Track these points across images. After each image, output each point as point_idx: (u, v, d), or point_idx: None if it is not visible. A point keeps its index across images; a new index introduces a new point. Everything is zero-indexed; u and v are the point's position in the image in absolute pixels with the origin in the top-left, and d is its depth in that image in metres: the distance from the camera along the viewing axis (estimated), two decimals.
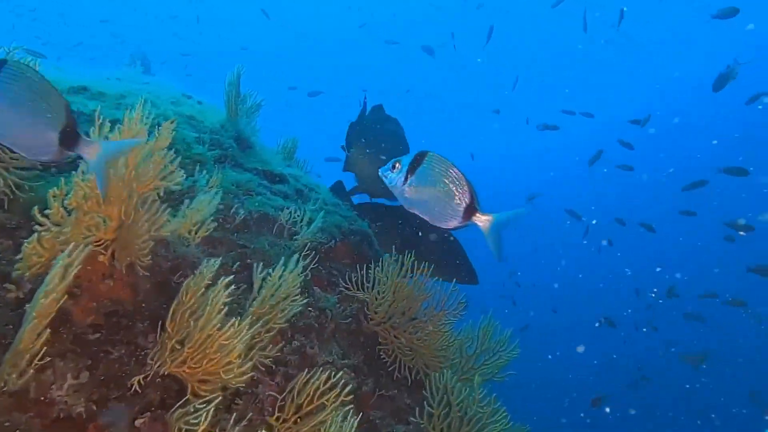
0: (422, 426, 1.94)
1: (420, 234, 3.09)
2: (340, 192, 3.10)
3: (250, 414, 1.59)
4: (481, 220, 1.32)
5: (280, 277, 1.73)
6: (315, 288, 2.20)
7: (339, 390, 1.53)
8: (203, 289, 1.48)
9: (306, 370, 1.66)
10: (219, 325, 1.39)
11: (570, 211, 10.25)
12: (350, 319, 2.21)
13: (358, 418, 1.94)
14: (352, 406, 1.53)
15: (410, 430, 1.99)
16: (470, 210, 1.32)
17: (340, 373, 1.56)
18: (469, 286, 3.07)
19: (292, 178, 2.77)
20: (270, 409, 1.62)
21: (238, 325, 1.42)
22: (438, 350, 2.28)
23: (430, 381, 1.98)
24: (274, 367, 1.75)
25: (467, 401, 1.91)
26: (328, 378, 1.57)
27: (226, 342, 1.37)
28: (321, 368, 1.87)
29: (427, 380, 2.01)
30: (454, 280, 2.95)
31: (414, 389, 2.24)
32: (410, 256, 2.31)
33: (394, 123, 3.44)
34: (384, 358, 2.26)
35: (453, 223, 1.34)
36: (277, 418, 1.57)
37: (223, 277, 1.46)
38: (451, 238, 3.15)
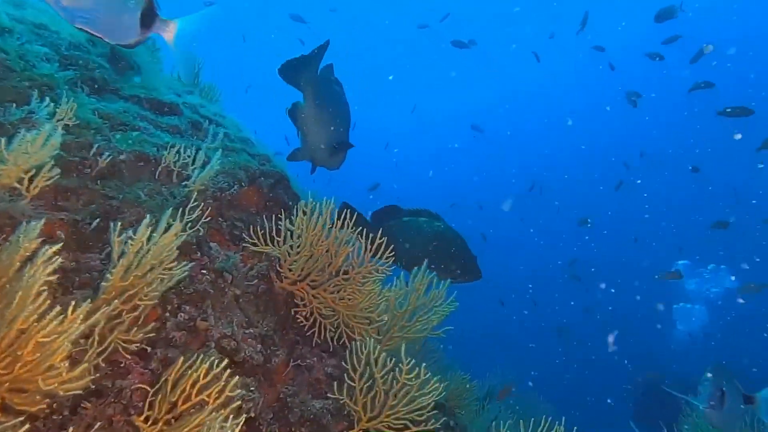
0: (342, 402, 1.67)
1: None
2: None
3: (111, 412, 1.24)
4: (165, 29, 1.10)
5: (149, 239, 1.32)
6: (212, 244, 1.81)
7: (222, 384, 1.19)
8: (18, 264, 1.06)
9: (189, 355, 1.31)
10: (37, 315, 0.99)
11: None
12: (257, 280, 1.85)
13: (266, 397, 1.65)
14: (239, 402, 1.20)
15: (328, 406, 1.72)
16: (149, 17, 1.12)
17: (224, 363, 1.22)
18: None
19: (188, 108, 2.27)
20: (140, 404, 1.27)
21: (73, 310, 1.03)
22: (364, 310, 1.99)
23: (350, 350, 1.69)
24: (149, 349, 1.39)
25: (394, 372, 1.65)
26: (211, 367, 1.23)
27: (46, 339, 0.98)
28: (214, 345, 1.52)
29: (347, 350, 1.73)
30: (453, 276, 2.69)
31: (337, 356, 1.96)
32: (330, 203, 1.95)
33: (340, 86, 2.82)
34: (301, 322, 1.95)
35: (130, 38, 1.18)
36: (146, 419, 1.22)
37: (46, 247, 1.04)
38: (449, 230, 2.85)
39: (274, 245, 1.90)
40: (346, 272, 1.97)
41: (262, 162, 2.23)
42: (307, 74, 2.47)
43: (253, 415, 1.50)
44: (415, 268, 2.16)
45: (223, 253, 1.80)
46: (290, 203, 2.21)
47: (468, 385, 2.88)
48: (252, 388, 1.54)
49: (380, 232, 2.02)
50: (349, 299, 1.97)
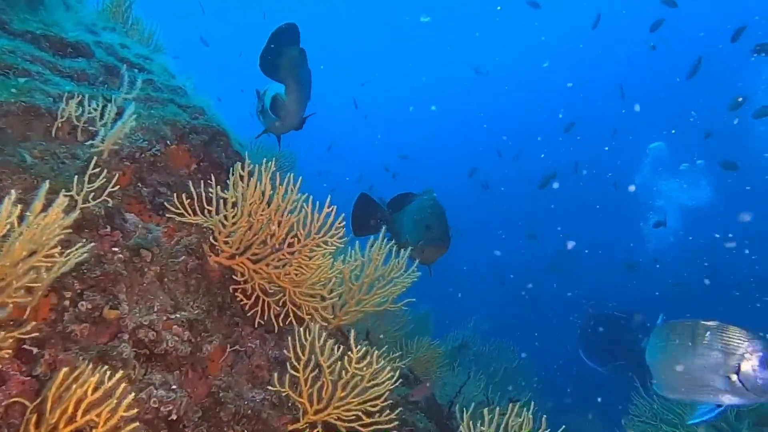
0: (285, 395, 1.47)
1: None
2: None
3: None
4: None
5: (22, 218, 1.04)
6: (128, 216, 1.53)
7: (116, 400, 0.96)
8: None
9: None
10: None
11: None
12: (186, 255, 1.59)
13: (194, 393, 1.44)
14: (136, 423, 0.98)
15: (270, 398, 1.52)
16: None
17: (117, 376, 0.98)
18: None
19: (103, 48, 1.90)
20: (17, 420, 1.03)
21: None
22: (313, 286, 1.77)
23: (293, 337, 1.48)
24: (35, 350, 1.14)
25: (342, 361, 1.45)
26: (104, 379, 0.99)
27: None
28: (128, 337, 1.28)
29: (289, 335, 1.51)
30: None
31: (283, 337, 1.75)
32: (270, 164, 1.67)
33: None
34: (242, 301, 1.72)
35: None
36: None
37: None
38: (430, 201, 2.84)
39: (205, 215, 1.63)
40: (291, 245, 1.73)
41: (195, 115, 1.91)
42: (289, 69, 2.56)
43: (175, 417, 1.29)
44: (372, 237, 1.93)
45: (142, 226, 1.52)
46: (229, 164, 1.92)
47: (435, 352, 2.75)
48: (174, 386, 1.31)
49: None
50: (296, 274, 1.74)
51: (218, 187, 1.65)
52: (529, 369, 5.94)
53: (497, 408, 1.59)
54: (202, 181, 1.80)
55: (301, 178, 1.75)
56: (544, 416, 1.53)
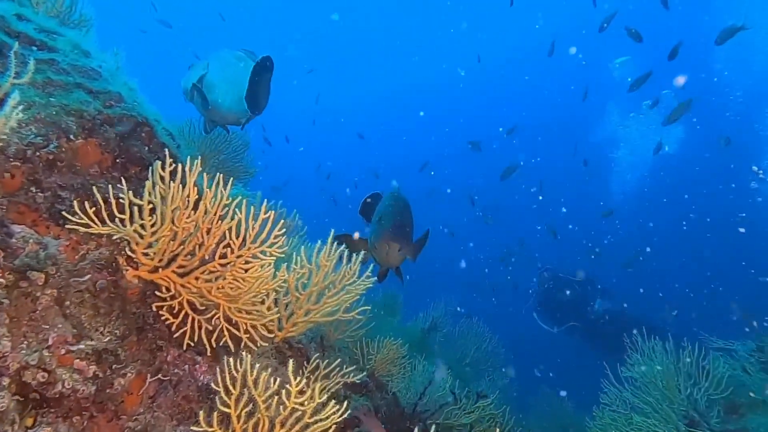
0: None
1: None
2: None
3: None
4: None
5: None
6: (16, 229, 1.27)
7: None
8: None
9: None
10: None
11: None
12: (94, 272, 1.35)
13: None
14: None
15: None
16: None
17: None
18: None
19: None
20: None
21: None
22: (251, 301, 1.55)
23: (221, 369, 1.27)
24: None
25: (280, 394, 1.25)
26: None
27: None
28: (9, 382, 1.05)
29: (225, 358, 1.30)
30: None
31: (217, 359, 1.54)
32: (196, 162, 1.43)
33: None
34: (167, 321, 1.49)
35: None
36: None
37: None
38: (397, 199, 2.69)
39: (117, 224, 1.38)
40: (224, 256, 1.50)
41: (109, 102, 1.63)
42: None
43: None
44: (319, 241, 1.72)
45: (34, 241, 1.27)
46: (154, 160, 1.66)
47: (398, 352, 2.59)
48: None
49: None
50: (231, 288, 1.51)
51: (132, 190, 1.40)
52: (499, 349, 5.94)
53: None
54: (118, 182, 1.55)
55: (232, 179, 1.51)
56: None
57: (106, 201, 1.39)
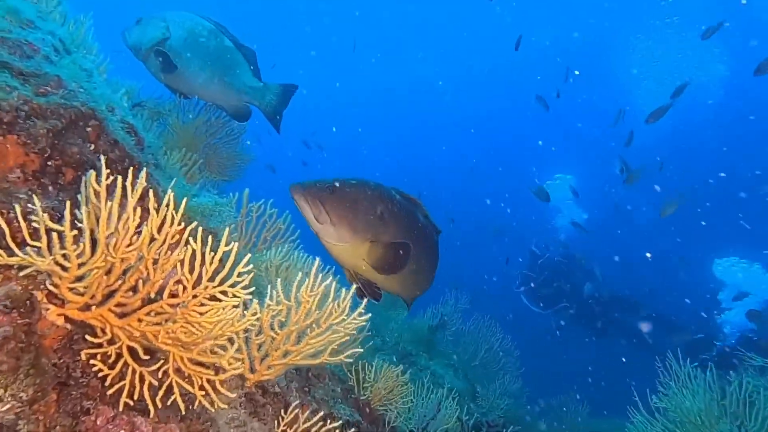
0: None
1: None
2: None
3: None
4: None
5: None
6: None
7: None
8: None
9: None
10: None
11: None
12: None
13: None
14: None
15: None
16: None
17: None
18: None
19: None
20: None
21: None
22: (210, 347, 1.23)
23: None
24: None
25: None
26: None
27: None
28: None
29: (180, 414, 0.99)
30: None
31: (165, 421, 1.23)
32: (143, 170, 1.10)
33: None
34: (100, 371, 1.18)
35: None
36: None
37: None
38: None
39: (30, 253, 1.05)
40: (175, 294, 1.18)
41: (42, 89, 1.30)
42: None
43: None
44: (300, 273, 1.38)
45: None
46: (90, 162, 1.33)
47: (400, 380, 2.27)
48: None
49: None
50: (184, 334, 1.20)
51: (63, 201, 1.07)
52: (510, 346, 5.62)
53: None
54: (49, 191, 1.23)
55: (187, 198, 1.18)
56: None
57: (26, 217, 1.07)
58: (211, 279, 1.17)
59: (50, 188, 1.24)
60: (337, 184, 1.94)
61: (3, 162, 1.18)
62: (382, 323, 5.26)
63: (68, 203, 1.03)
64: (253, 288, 1.19)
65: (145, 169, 1.16)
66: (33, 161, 1.23)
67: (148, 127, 2.83)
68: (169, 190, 1.15)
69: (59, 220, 1.16)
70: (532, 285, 8.23)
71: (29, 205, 1.10)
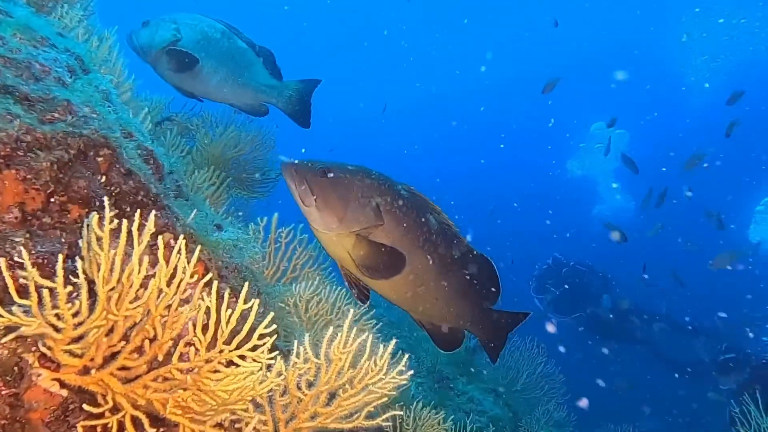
0: None
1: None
2: None
3: None
4: None
5: None
6: None
7: None
8: None
9: None
10: None
11: None
12: None
13: None
14: None
15: None
16: None
17: None
18: None
19: None
20: None
21: None
22: (227, 418, 1.06)
23: None
24: None
25: None
26: None
27: None
28: None
29: None
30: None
31: None
32: (152, 218, 0.93)
33: None
34: None
35: None
36: None
37: None
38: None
39: (16, 313, 0.90)
40: (185, 357, 1.01)
41: (49, 116, 1.16)
42: None
43: None
44: (330, 328, 1.18)
45: None
46: (92, 193, 1.18)
47: (441, 426, 2.04)
48: None
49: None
50: (196, 403, 1.02)
51: (67, 245, 0.92)
52: (553, 371, 5.28)
53: None
54: (51, 232, 1.08)
55: (200, 249, 1.01)
56: None
57: (23, 264, 0.92)
58: (228, 342, 1.00)
59: (52, 229, 1.09)
60: (331, 167, 1.79)
61: None
62: (417, 342, 5.02)
63: (60, 257, 0.87)
64: (277, 352, 1.01)
65: (153, 211, 0.99)
66: (33, 199, 1.08)
67: (176, 143, 2.72)
68: (181, 238, 0.98)
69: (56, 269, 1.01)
70: (553, 290, 8.12)
71: (16, 258, 0.95)
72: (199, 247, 1.00)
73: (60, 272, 0.87)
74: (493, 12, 23.19)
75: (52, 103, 1.20)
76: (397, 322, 5.02)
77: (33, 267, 1.01)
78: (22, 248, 0.86)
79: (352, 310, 1.23)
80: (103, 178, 1.22)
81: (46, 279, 0.91)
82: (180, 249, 0.99)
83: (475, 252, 2.12)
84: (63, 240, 1.10)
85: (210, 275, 1.01)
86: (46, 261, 1.03)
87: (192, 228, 1.41)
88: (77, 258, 0.99)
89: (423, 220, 1.95)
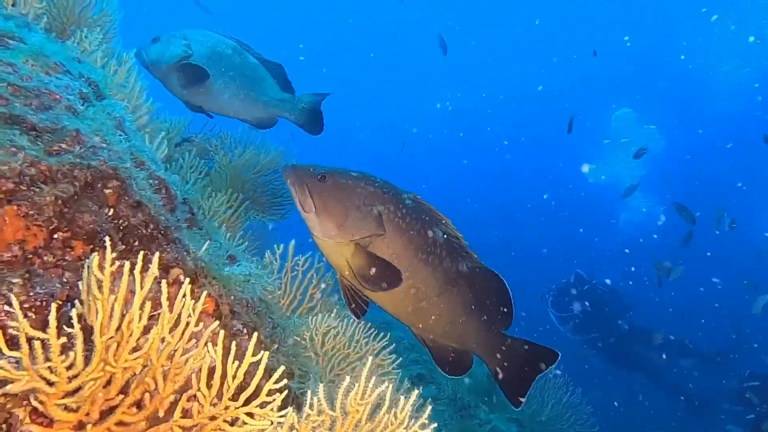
0: None
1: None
2: None
3: None
4: None
5: None
6: None
7: None
8: None
9: None
10: None
11: None
12: None
13: None
14: None
15: None
16: None
17: None
18: None
19: None
20: None
21: None
22: None
23: None
24: None
25: None
26: None
27: None
28: None
29: None
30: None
31: None
32: (156, 258, 0.86)
33: None
34: None
35: None
36: None
37: None
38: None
39: (7, 367, 0.83)
40: (188, 413, 0.92)
41: (56, 146, 1.10)
42: None
43: None
44: (347, 378, 1.09)
45: None
46: (116, 235, 1.11)
47: None
48: None
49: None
50: None
51: (68, 286, 0.86)
52: (580, 401, 5.05)
53: None
54: (52, 271, 1.02)
55: (205, 293, 0.93)
56: None
57: (20, 308, 0.85)
58: (235, 396, 0.91)
59: (53, 268, 1.02)
60: (332, 172, 1.76)
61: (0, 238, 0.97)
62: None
63: (54, 306, 0.80)
64: (288, 409, 0.91)
65: (158, 253, 0.92)
66: (35, 235, 1.02)
67: (195, 164, 2.69)
68: (186, 282, 0.90)
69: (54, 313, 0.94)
70: (572, 308, 7.90)
71: (6, 307, 0.88)
72: (205, 293, 0.92)
73: (53, 323, 0.80)
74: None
75: (61, 133, 1.14)
76: (417, 345, 4.88)
77: (31, 310, 0.95)
78: (12, 296, 0.79)
79: (370, 359, 1.13)
80: (111, 211, 1.16)
81: (42, 325, 0.85)
82: (185, 293, 0.91)
83: (484, 268, 2.00)
84: (65, 280, 1.03)
85: (217, 323, 0.93)
86: (44, 303, 0.97)
87: (203, 261, 1.34)
88: (77, 301, 0.93)
89: (428, 231, 1.87)
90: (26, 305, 0.95)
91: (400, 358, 1.94)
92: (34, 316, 0.96)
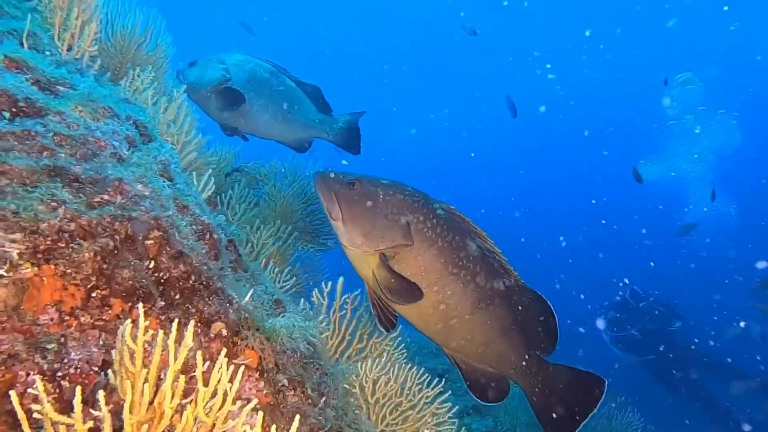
0: None
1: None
2: None
3: None
4: None
5: None
6: None
7: None
8: None
9: None
10: None
11: None
12: None
13: None
14: None
15: None
16: None
17: None
18: None
19: None
20: None
21: None
22: None
23: None
24: None
25: None
26: None
27: None
28: None
29: None
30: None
31: None
32: (191, 326, 0.78)
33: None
34: None
35: None
36: None
37: None
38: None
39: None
40: None
41: (98, 199, 1.06)
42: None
43: None
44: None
45: None
46: (154, 291, 1.05)
47: None
48: None
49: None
50: None
51: (104, 350, 0.79)
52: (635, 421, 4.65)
53: None
54: (86, 335, 0.96)
55: (242, 368, 0.84)
56: None
57: (54, 377, 0.79)
58: None
59: (90, 329, 0.97)
60: (361, 179, 1.70)
61: (33, 301, 0.93)
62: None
63: (78, 389, 0.72)
64: None
65: (192, 321, 0.84)
66: (72, 295, 0.97)
67: (244, 195, 2.68)
68: (223, 353, 0.81)
69: (86, 383, 0.88)
70: (629, 328, 7.35)
71: (30, 390, 0.82)
72: (242, 368, 0.83)
73: (78, 407, 0.73)
74: None
75: (103, 183, 1.10)
76: None
77: (65, 378, 0.89)
78: (37, 378, 0.73)
79: (430, 409, 1.00)
80: (152, 263, 1.10)
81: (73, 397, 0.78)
82: (221, 365, 0.82)
83: (524, 286, 1.85)
84: (101, 342, 0.97)
85: (250, 406, 0.83)
86: (79, 372, 0.91)
87: (247, 312, 1.26)
88: (110, 371, 0.86)
89: (460, 243, 1.75)
90: (60, 374, 0.89)
91: (456, 407, 1.79)
92: (67, 385, 0.90)
